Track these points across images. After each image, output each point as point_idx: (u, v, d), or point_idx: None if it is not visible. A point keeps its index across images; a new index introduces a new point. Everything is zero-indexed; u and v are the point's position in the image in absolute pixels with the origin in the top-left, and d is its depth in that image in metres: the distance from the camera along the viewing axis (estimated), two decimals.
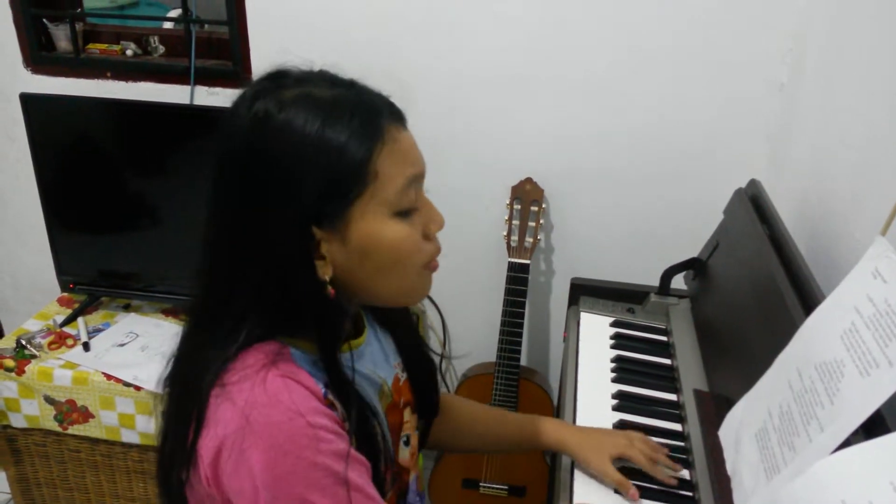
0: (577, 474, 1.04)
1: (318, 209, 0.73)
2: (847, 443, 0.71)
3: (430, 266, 0.82)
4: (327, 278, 0.75)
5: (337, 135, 0.71)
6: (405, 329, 0.98)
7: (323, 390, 0.74)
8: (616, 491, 1.01)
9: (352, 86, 0.78)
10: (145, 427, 1.67)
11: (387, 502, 0.85)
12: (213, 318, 0.77)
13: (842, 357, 0.78)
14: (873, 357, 0.73)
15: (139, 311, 1.90)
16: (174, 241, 1.80)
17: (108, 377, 1.65)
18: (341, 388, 0.77)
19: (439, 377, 1.03)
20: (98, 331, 1.81)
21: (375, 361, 0.90)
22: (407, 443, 0.95)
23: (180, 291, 1.83)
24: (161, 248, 1.82)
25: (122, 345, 1.76)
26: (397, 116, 0.78)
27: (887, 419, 0.70)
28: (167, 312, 1.89)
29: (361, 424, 0.79)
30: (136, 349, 1.74)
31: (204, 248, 0.78)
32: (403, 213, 0.76)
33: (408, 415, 0.95)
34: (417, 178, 0.78)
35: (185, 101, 1.90)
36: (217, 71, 1.89)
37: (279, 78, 0.76)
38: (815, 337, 0.85)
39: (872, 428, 0.70)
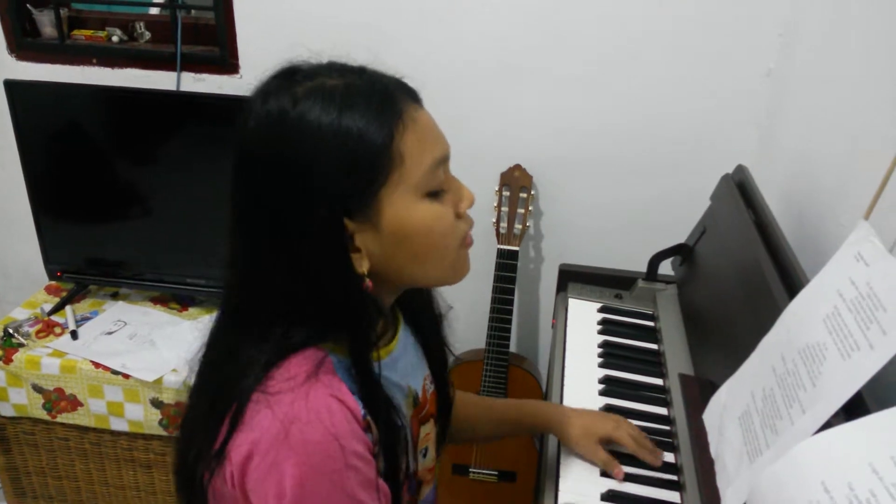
0: (563, 458, 1.05)
1: (346, 201, 0.71)
2: (828, 425, 0.72)
3: (466, 243, 0.82)
4: (365, 270, 0.74)
5: (355, 122, 0.70)
6: (432, 329, 0.97)
7: (362, 411, 0.73)
8: (602, 474, 1.02)
9: (363, 72, 0.76)
10: (134, 415, 1.67)
11: None
12: (245, 319, 0.76)
13: (824, 340, 0.78)
14: (855, 340, 0.74)
15: (127, 299, 1.89)
16: (162, 228, 1.79)
17: (97, 365, 1.65)
18: (373, 397, 0.76)
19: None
20: (86, 319, 1.80)
21: (407, 370, 0.89)
22: (425, 455, 0.94)
23: (169, 279, 1.83)
24: (149, 236, 1.81)
25: (111, 333, 1.75)
26: (413, 96, 0.77)
27: (868, 401, 0.71)
28: (155, 300, 1.89)
29: (391, 440, 0.78)
30: (125, 337, 1.74)
31: (231, 251, 0.77)
32: (433, 195, 0.76)
33: (428, 427, 0.94)
34: (443, 159, 0.77)
35: (172, 87, 1.89)
36: (203, 57, 1.87)
37: (290, 74, 0.74)
38: (798, 321, 0.86)
39: (853, 410, 0.71)
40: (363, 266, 0.74)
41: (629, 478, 1.01)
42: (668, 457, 1.05)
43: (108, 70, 1.92)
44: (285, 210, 0.72)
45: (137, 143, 1.78)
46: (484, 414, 1.14)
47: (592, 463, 1.03)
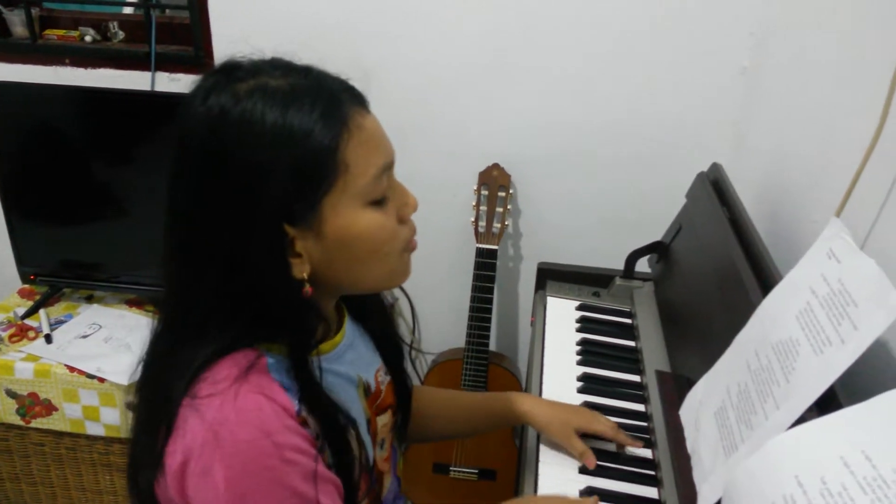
0: (542, 456, 1.06)
1: (288, 206, 0.70)
2: (802, 419, 0.73)
3: (409, 248, 0.81)
4: (305, 276, 0.73)
5: (300, 125, 0.68)
6: (381, 322, 0.96)
7: (296, 407, 0.72)
8: (581, 471, 1.03)
9: (308, 72, 0.74)
10: (110, 419, 1.65)
11: None
12: (179, 321, 0.75)
13: (797, 336, 0.79)
14: (827, 336, 0.75)
15: (102, 301, 1.87)
16: (137, 230, 1.76)
17: (72, 369, 1.62)
18: (312, 398, 0.75)
19: (409, 366, 1.02)
20: (60, 322, 1.77)
21: (356, 362, 0.89)
22: (382, 447, 0.93)
23: (144, 282, 1.81)
24: (124, 238, 1.79)
25: (86, 336, 1.73)
26: (359, 100, 0.75)
27: (840, 396, 0.72)
28: (131, 303, 1.87)
29: (334, 437, 0.77)
30: (100, 340, 1.71)
31: (166, 250, 0.75)
32: (376, 202, 0.74)
33: (385, 418, 0.94)
34: (388, 166, 0.76)
35: (146, 87, 1.86)
36: (178, 57, 1.85)
37: (231, 70, 0.72)
38: (771, 317, 0.87)
39: (826, 405, 0.72)
40: (304, 272, 0.73)
41: (607, 473, 1.02)
42: (646, 452, 1.06)
43: (81, 70, 1.89)
44: (224, 212, 0.70)
45: (111, 144, 1.76)
46: (460, 407, 1.15)
47: (569, 455, 1.05)
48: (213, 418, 0.68)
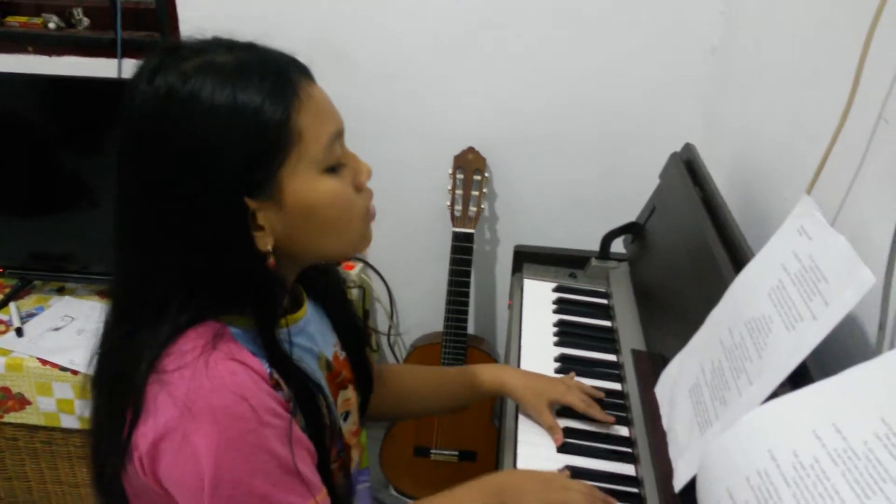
0: (521, 436, 1.07)
1: (246, 179, 0.70)
2: (775, 395, 0.74)
3: (369, 215, 0.82)
4: (269, 248, 0.74)
5: (250, 99, 0.69)
6: (337, 302, 0.97)
7: (268, 370, 0.73)
8: (559, 450, 1.04)
9: (252, 48, 0.75)
10: (85, 411, 1.62)
11: (333, 476, 0.85)
12: (136, 305, 0.74)
13: (769, 313, 0.80)
14: (798, 311, 0.76)
15: (74, 293, 1.84)
16: (107, 220, 1.73)
17: (44, 362, 1.60)
18: (281, 365, 0.76)
19: (387, 348, 1.04)
20: (31, 315, 1.74)
21: (315, 336, 0.90)
22: (346, 419, 0.95)
23: (111, 272, 1.78)
24: (94, 228, 1.74)
25: (58, 329, 1.70)
26: (305, 72, 0.77)
27: (811, 371, 0.73)
28: (103, 294, 1.84)
29: (305, 401, 0.78)
30: (72, 333, 1.69)
31: (118, 234, 0.75)
32: (332, 170, 0.76)
33: (348, 393, 0.95)
34: (339, 133, 0.77)
35: (113, 74, 1.83)
36: (145, 43, 1.82)
37: (174, 51, 0.72)
38: (744, 294, 0.88)
39: (798, 380, 0.73)
40: (267, 244, 0.74)
41: (585, 452, 1.03)
42: (623, 430, 1.07)
43: (45, 58, 1.85)
44: (182, 191, 0.70)
45: (79, 133, 1.72)
46: (438, 382, 1.16)
47: (548, 435, 1.06)
48: (185, 390, 0.68)
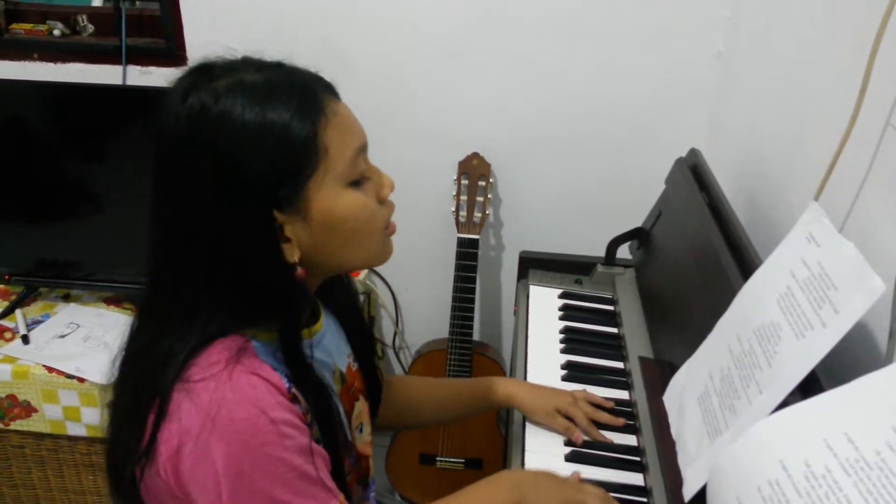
0: (528, 445, 1.06)
1: (275, 194, 0.73)
2: (785, 403, 0.73)
3: (390, 229, 0.85)
4: (296, 259, 0.77)
5: (279, 117, 0.72)
6: (351, 312, 0.99)
7: (287, 384, 0.75)
8: (567, 459, 1.03)
9: (280, 67, 0.78)
10: (91, 419, 1.63)
11: (349, 487, 0.86)
12: (165, 313, 0.76)
13: (778, 320, 0.80)
14: (808, 319, 0.75)
15: (79, 300, 1.84)
16: (113, 226, 1.75)
17: (50, 370, 1.60)
18: (302, 375, 0.78)
19: (392, 355, 1.05)
20: (37, 323, 1.75)
21: (330, 349, 0.92)
22: (361, 430, 0.96)
23: (121, 279, 1.78)
24: (100, 235, 1.76)
25: (63, 336, 1.70)
26: (330, 90, 0.80)
27: (822, 379, 0.72)
28: (109, 301, 1.84)
29: (323, 411, 0.80)
30: (78, 340, 1.69)
31: (152, 246, 0.77)
32: (356, 183, 0.78)
33: (360, 404, 0.97)
34: (363, 147, 0.80)
35: (118, 81, 1.83)
36: (149, 50, 1.82)
37: (206, 70, 0.75)
38: (752, 301, 0.87)
39: (808, 388, 0.73)
40: (294, 255, 0.77)
41: (593, 460, 1.03)
42: (631, 439, 1.06)
43: (50, 65, 1.85)
44: (213, 206, 0.72)
45: (84, 139, 1.72)
46: (445, 393, 1.18)
47: (555, 442, 1.06)
48: (209, 400, 0.70)
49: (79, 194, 1.75)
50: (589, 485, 0.93)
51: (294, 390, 0.76)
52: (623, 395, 1.15)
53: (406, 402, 1.13)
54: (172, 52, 1.79)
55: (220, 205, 0.72)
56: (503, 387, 1.13)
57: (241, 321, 0.76)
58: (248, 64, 0.77)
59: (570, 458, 1.03)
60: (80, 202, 1.76)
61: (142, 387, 0.76)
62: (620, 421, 1.08)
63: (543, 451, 1.05)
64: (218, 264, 0.74)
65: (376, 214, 0.81)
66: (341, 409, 0.88)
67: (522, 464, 1.03)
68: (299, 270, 0.77)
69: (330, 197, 0.76)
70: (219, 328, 0.75)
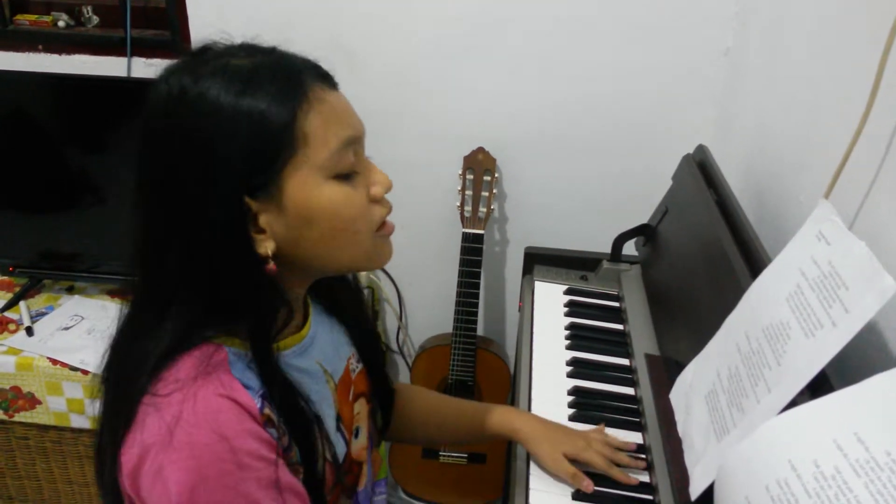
0: (533, 465, 1.03)
1: (247, 179, 0.70)
2: (794, 403, 0.73)
3: (384, 230, 0.80)
4: (269, 252, 0.73)
5: (256, 101, 0.69)
6: (355, 314, 0.96)
7: (259, 404, 0.71)
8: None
9: (272, 52, 0.76)
10: (95, 411, 1.63)
11: (330, 501, 0.83)
12: (143, 304, 0.75)
13: (787, 319, 0.79)
14: (818, 318, 0.75)
15: (83, 292, 1.84)
16: (117, 218, 1.73)
17: (54, 362, 1.60)
18: (274, 384, 0.74)
19: (396, 353, 1.02)
20: (41, 315, 1.75)
21: (325, 352, 0.88)
22: (357, 435, 0.93)
23: (125, 271, 1.77)
24: (104, 227, 1.75)
25: (67, 328, 1.70)
26: (323, 77, 0.76)
27: (832, 378, 0.72)
28: (113, 293, 1.84)
29: (299, 427, 0.76)
30: (83, 332, 1.69)
31: (133, 232, 0.75)
32: (343, 177, 0.74)
33: (359, 406, 0.93)
34: (354, 141, 0.76)
35: (122, 73, 1.83)
36: (154, 41, 1.82)
37: (200, 54, 0.74)
38: (761, 299, 0.87)
39: (818, 387, 0.72)
40: (267, 248, 0.73)
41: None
42: (636, 436, 1.06)
43: (55, 56, 1.85)
44: (184, 187, 0.70)
45: (88, 131, 1.72)
46: (449, 415, 1.12)
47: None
48: (171, 417, 0.67)
49: (83, 186, 1.75)
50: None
51: (267, 410, 0.72)
52: (629, 391, 1.15)
53: (407, 415, 1.08)
54: (177, 44, 1.79)
55: (190, 187, 0.70)
56: (508, 420, 1.05)
57: (213, 318, 0.73)
58: (241, 49, 0.75)
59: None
60: (85, 194, 1.76)
61: (116, 391, 0.75)
62: (641, 464, 1.00)
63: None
64: (189, 253, 0.71)
65: (364, 213, 0.77)
66: (333, 416, 0.85)
67: (528, 466, 1.02)
68: (271, 264, 0.73)
69: (308, 187, 0.72)
70: (188, 329, 0.71)
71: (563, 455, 0.99)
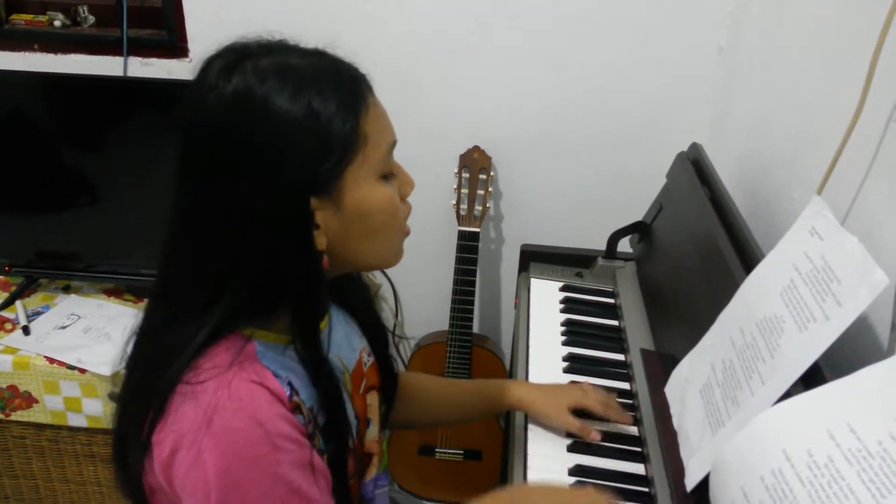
0: (530, 435, 1.06)
1: (314, 178, 0.72)
2: (787, 395, 0.74)
3: (406, 229, 0.84)
4: (324, 247, 0.75)
5: (326, 105, 0.71)
6: (366, 309, 0.98)
7: (288, 392, 0.74)
8: (569, 449, 1.04)
9: (322, 54, 0.78)
10: (92, 410, 1.63)
11: (351, 496, 0.86)
12: (185, 295, 0.75)
13: (781, 313, 0.80)
14: (811, 312, 0.76)
15: (80, 292, 1.84)
16: (113, 218, 1.75)
17: (51, 361, 1.60)
18: (318, 366, 0.77)
19: (393, 350, 1.04)
20: (38, 314, 1.75)
21: (340, 345, 0.90)
22: (369, 425, 0.95)
23: (122, 271, 1.78)
24: (100, 226, 1.76)
25: (64, 327, 1.70)
26: (369, 84, 0.80)
27: (824, 371, 0.73)
28: (109, 293, 1.84)
29: (334, 407, 0.79)
30: (79, 331, 1.69)
31: (174, 226, 0.76)
32: (386, 177, 0.78)
33: (370, 398, 0.96)
34: (395, 144, 0.81)
35: (119, 72, 1.83)
36: (151, 41, 1.81)
37: (243, 49, 0.74)
38: (755, 294, 0.88)
39: (811, 380, 0.73)
40: (322, 243, 0.75)
41: (595, 451, 1.03)
42: (632, 429, 1.07)
43: (50, 56, 1.85)
44: (249, 188, 0.71)
45: (84, 131, 1.72)
46: (451, 394, 1.16)
47: (565, 434, 1.05)
48: (207, 404, 0.69)
49: (80, 185, 1.75)
50: (589, 489, 0.91)
51: (295, 398, 0.75)
52: (624, 386, 1.16)
53: (409, 401, 1.11)
54: (174, 43, 1.79)
55: (258, 186, 0.70)
56: (511, 391, 1.09)
57: (252, 313, 0.75)
58: (288, 48, 0.76)
59: (572, 448, 1.04)
60: (81, 193, 1.76)
61: (145, 380, 0.75)
62: (628, 418, 1.07)
63: (545, 442, 1.05)
64: (250, 250, 0.72)
65: (399, 211, 0.81)
66: (350, 407, 0.86)
67: (525, 455, 1.03)
68: (325, 258, 0.76)
69: (364, 187, 0.75)
70: (227, 322, 0.73)
71: (566, 410, 1.05)
